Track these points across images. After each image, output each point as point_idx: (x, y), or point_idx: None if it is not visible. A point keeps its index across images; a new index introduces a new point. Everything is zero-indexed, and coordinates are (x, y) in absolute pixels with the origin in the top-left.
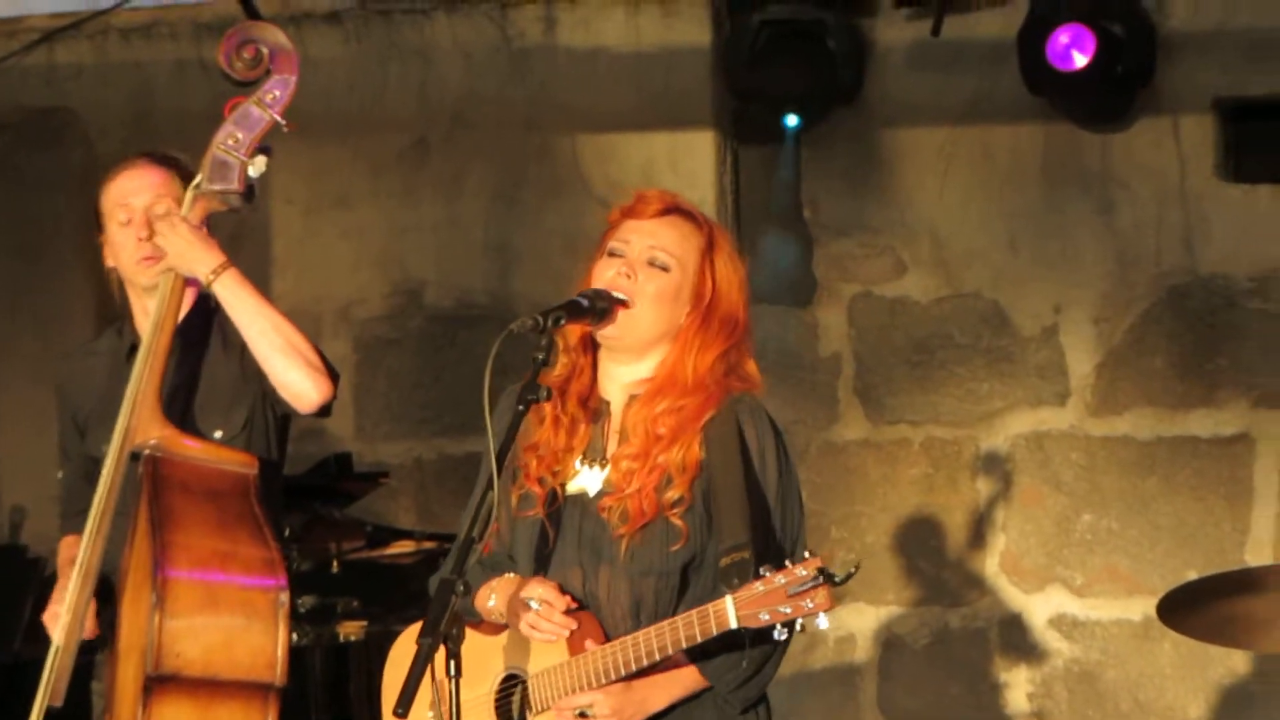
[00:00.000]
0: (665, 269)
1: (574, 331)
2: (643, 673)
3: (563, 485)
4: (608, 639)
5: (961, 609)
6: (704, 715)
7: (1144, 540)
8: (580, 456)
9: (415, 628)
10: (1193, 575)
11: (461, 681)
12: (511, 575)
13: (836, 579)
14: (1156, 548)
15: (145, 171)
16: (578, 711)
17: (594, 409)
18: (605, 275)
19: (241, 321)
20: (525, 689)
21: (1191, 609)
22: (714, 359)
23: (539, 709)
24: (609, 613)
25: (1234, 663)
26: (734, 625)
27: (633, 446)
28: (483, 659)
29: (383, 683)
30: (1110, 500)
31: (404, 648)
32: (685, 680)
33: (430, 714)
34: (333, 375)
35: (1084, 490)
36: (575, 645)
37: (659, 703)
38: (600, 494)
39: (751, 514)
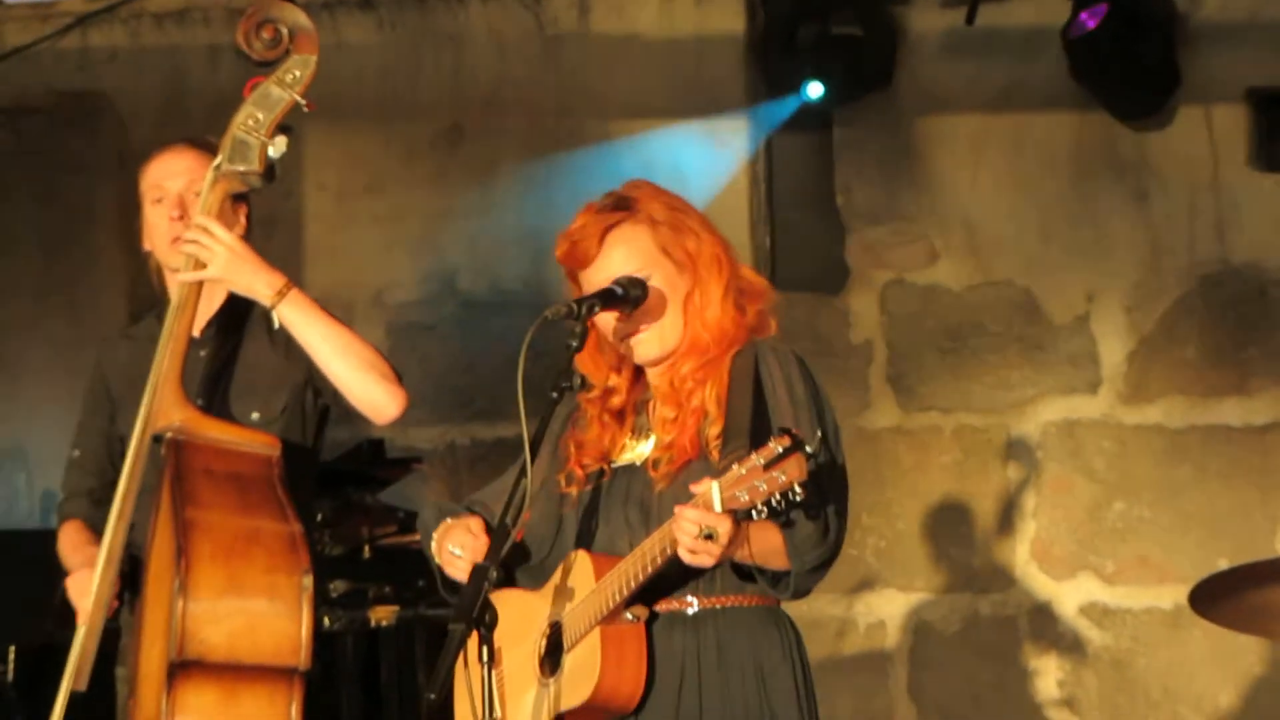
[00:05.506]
0: (648, 280)
1: (607, 354)
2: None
3: (610, 465)
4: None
5: (992, 596)
6: (768, 631)
7: (1175, 529)
8: (630, 435)
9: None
10: (1224, 564)
11: (507, 639)
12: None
13: (808, 449)
14: (1187, 536)
15: (183, 155)
16: (705, 534)
17: (637, 402)
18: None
19: (311, 344)
20: (559, 631)
21: (1222, 598)
22: (719, 304)
23: (571, 644)
24: None
25: (1265, 651)
26: (718, 508)
27: (669, 406)
28: (527, 615)
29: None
30: (1141, 489)
31: None
32: (774, 546)
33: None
34: (402, 382)
35: (1115, 478)
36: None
37: (749, 552)
38: (649, 458)
39: (753, 427)
